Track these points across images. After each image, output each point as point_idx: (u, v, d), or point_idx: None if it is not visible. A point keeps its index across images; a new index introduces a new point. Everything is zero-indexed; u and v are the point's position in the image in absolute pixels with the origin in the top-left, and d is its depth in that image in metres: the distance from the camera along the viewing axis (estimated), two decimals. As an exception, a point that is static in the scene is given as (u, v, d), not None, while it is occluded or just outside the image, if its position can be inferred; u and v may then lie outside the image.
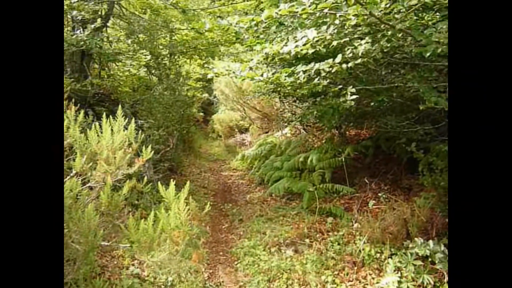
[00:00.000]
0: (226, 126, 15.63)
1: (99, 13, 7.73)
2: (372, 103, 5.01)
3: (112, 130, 2.08)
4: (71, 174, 1.81)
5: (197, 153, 12.20)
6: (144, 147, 2.24)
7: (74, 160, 2.02)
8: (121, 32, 9.06)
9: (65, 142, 2.10)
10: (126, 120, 2.12)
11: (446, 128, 4.68)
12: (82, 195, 1.70)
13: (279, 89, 6.90)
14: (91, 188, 2.09)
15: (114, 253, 4.08)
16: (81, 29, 7.20)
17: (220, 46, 8.85)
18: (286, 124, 9.84)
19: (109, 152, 1.86)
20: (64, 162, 2.06)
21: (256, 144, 10.44)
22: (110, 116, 2.13)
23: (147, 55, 7.90)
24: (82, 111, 2.22)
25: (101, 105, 7.85)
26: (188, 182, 2.03)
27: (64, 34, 6.68)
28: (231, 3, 7.59)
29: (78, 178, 1.77)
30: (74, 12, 6.80)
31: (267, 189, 7.41)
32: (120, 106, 2.15)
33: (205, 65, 11.03)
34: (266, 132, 12.69)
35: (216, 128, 16.35)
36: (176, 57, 8.64)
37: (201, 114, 15.93)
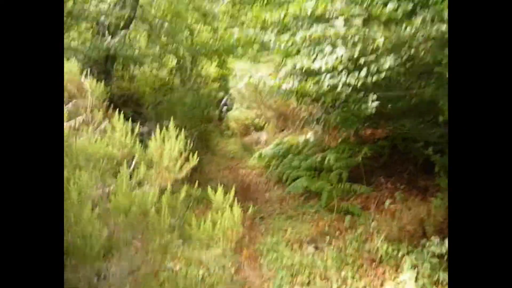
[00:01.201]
0: (242, 124, 15.83)
1: (124, 17, 8.05)
2: (389, 106, 5.22)
3: (163, 140, 2.36)
4: (134, 181, 2.08)
5: (214, 151, 12.44)
6: (191, 154, 2.52)
7: (129, 167, 2.30)
8: (143, 35, 9.36)
9: (124, 151, 2.38)
10: (177, 130, 2.39)
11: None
12: (149, 200, 1.97)
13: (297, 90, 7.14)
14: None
15: (149, 253, 4.38)
16: (107, 34, 7.50)
17: (239, 48, 9.09)
18: (303, 123, 10.06)
19: (170, 160, 2.14)
20: (125, 173, 2.25)
21: (273, 144, 10.67)
22: (164, 128, 2.39)
23: (172, 60, 8.20)
24: (137, 123, 2.51)
25: (126, 106, 8.18)
26: (233, 186, 2.30)
27: (94, 40, 7.01)
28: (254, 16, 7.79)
29: (146, 185, 2.04)
30: (102, 17, 7.12)
31: (286, 188, 7.66)
32: (172, 119, 2.41)
33: (223, 65, 11.29)
34: (282, 131, 12.89)
35: (231, 126, 16.58)
36: (196, 58, 8.93)
37: (216, 112, 16.16)
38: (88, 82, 2.95)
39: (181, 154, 2.34)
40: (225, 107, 17.60)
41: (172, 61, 8.72)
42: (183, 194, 2.10)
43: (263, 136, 14.24)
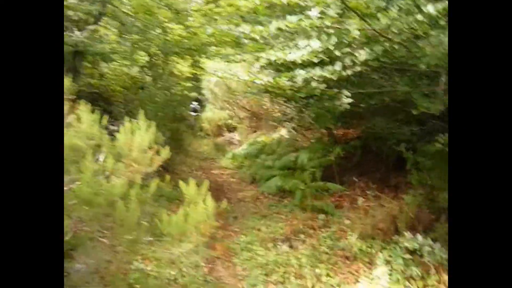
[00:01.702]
0: (215, 124, 15.75)
1: (93, 12, 7.80)
2: (362, 105, 5.25)
3: (132, 132, 2.27)
4: (106, 174, 1.96)
5: (187, 151, 12.28)
6: (162, 147, 2.43)
7: (96, 160, 2.18)
8: (113, 31, 9.11)
9: (91, 142, 2.26)
10: (147, 122, 2.30)
11: (432, 128, 4.96)
12: (115, 190, 1.86)
13: (270, 89, 7.10)
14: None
15: (117, 249, 4.23)
16: (73, 29, 7.24)
17: (212, 47, 8.97)
18: (276, 123, 10.06)
19: (139, 152, 2.04)
20: (90, 162, 2.16)
21: (246, 143, 10.64)
22: (131, 119, 2.29)
23: (144, 56, 8.01)
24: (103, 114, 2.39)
25: (95, 104, 7.93)
26: (206, 181, 2.23)
27: (61, 34, 6.75)
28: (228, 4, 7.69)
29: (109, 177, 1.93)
30: (70, 12, 6.87)
31: (259, 187, 7.62)
32: (142, 112, 2.31)
33: (196, 65, 11.12)
34: (255, 131, 12.89)
35: (204, 127, 16.46)
36: (169, 56, 8.77)
37: (190, 112, 15.95)
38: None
39: (151, 146, 2.25)
40: (194, 114, 17.21)
41: (143, 59, 8.51)
42: (153, 187, 2.01)
43: (236, 136, 14.20)
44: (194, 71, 11.00)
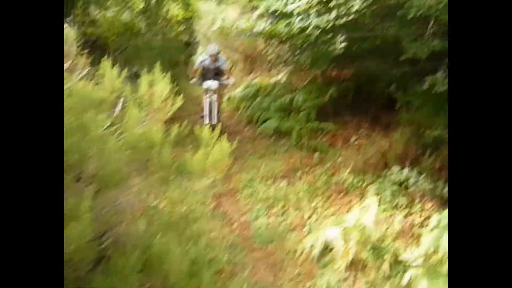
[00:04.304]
0: (208, 68, 15.69)
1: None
2: (354, 47, 5.44)
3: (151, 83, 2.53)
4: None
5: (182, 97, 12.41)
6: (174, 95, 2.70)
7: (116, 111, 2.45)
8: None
9: (112, 96, 2.51)
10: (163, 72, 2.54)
11: (422, 69, 5.20)
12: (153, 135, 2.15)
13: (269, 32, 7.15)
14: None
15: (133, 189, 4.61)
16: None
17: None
18: (270, 65, 10.15)
19: (160, 102, 2.31)
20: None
21: (242, 86, 10.78)
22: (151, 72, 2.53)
23: (137, 1, 7.92)
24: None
25: (90, 53, 7.96)
26: (220, 124, 2.53)
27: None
28: None
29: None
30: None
31: (256, 129, 7.91)
32: (158, 63, 2.55)
33: (187, 8, 10.95)
34: (249, 73, 12.93)
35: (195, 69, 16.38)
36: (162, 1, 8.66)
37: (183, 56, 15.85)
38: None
39: (169, 95, 2.52)
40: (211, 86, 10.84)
41: (137, 5, 8.41)
42: (174, 132, 2.30)
43: (231, 79, 14.22)
44: (185, 15, 10.84)
